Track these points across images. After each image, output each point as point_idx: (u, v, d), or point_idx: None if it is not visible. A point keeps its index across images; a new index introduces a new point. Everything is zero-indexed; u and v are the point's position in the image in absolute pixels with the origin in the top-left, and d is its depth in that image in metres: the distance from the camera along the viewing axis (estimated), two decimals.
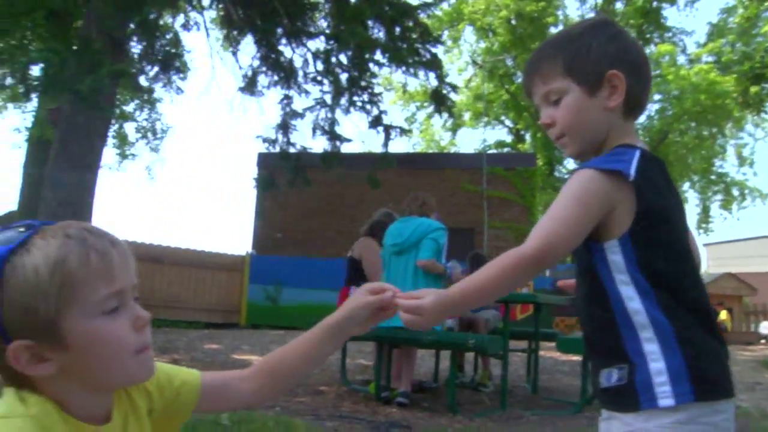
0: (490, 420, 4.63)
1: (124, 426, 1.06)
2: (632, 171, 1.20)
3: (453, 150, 29.16)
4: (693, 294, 1.23)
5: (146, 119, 18.69)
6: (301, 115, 10.31)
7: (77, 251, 0.93)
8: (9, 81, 9.50)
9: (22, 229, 0.95)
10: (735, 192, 26.60)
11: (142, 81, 10.89)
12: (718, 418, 1.15)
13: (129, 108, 17.98)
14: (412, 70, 9.91)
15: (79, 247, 0.93)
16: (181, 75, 11.44)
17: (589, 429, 4.23)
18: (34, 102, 15.42)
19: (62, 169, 7.71)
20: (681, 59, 25.39)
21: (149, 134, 18.97)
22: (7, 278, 0.91)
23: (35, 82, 8.09)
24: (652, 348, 1.17)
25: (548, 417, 4.84)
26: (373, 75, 10.29)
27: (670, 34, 25.75)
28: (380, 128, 10.06)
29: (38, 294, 0.90)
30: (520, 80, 27.32)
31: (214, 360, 7.41)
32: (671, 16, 64.19)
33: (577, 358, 8.30)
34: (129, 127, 18.83)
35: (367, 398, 5.18)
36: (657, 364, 1.16)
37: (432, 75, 10.10)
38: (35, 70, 8.48)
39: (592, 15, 24.30)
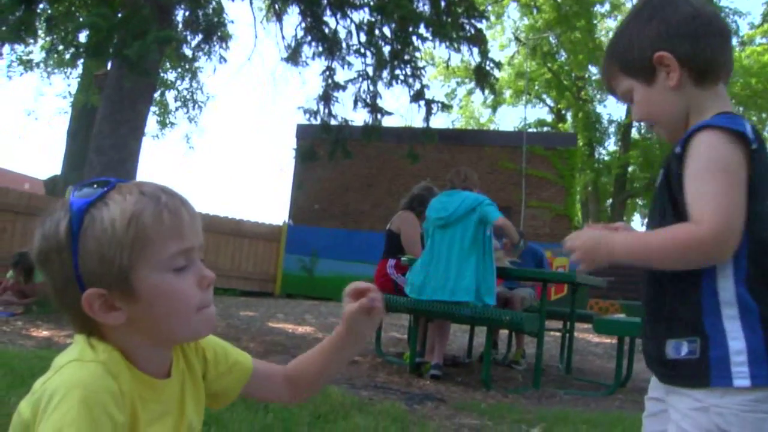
0: (523, 397, 4.64)
1: (182, 384, 1.10)
2: (752, 137, 1.15)
3: (492, 127, 28.88)
4: None
5: (186, 88, 18.84)
6: (343, 87, 10.30)
7: (151, 208, 0.97)
8: (58, 47, 9.68)
9: (95, 186, 0.99)
10: None
11: (185, 50, 10.98)
12: None
13: (170, 77, 18.14)
14: (455, 45, 9.79)
15: (154, 204, 0.98)
16: (224, 44, 11.48)
17: (622, 411, 4.22)
18: (79, 69, 15.72)
19: (108, 135, 7.84)
20: (732, 41, 24.55)
21: (189, 103, 19.14)
22: (86, 229, 0.95)
23: (81, 48, 8.23)
24: (733, 326, 1.14)
25: (581, 397, 4.83)
26: (416, 49, 10.19)
27: (722, 15, 24.90)
28: (422, 102, 10.00)
29: (114, 245, 0.94)
30: (562, 59, 26.88)
31: (249, 327, 7.53)
32: None
33: (611, 340, 8.25)
34: (169, 96, 19.02)
35: (401, 370, 5.22)
36: (737, 343, 1.13)
37: (475, 50, 9.98)
38: (82, 37, 8.63)
39: None
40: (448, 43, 9.79)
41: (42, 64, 16.41)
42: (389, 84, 10.14)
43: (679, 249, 1.14)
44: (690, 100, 1.27)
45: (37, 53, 15.63)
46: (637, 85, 1.31)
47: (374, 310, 1.18)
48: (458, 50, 10.11)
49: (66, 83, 19.92)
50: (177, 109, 19.33)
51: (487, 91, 10.99)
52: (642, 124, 1.41)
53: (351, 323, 1.21)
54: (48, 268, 0.98)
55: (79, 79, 16.14)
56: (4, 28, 7.21)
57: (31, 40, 12.38)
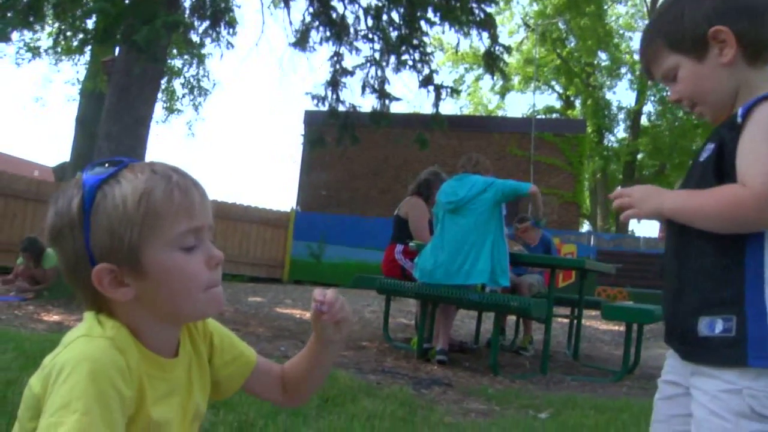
0: (531, 383, 4.64)
1: (189, 366, 1.11)
2: None
3: (501, 114, 28.76)
4: None
5: (193, 76, 18.81)
6: (351, 73, 10.25)
7: (162, 186, 0.98)
8: (66, 33, 9.67)
9: (108, 165, 1.01)
10: None
11: (192, 36, 10.92)
12: None
13: (177, 63, 18.10)
14: (464, 30, 9.69)
15: (165, 182, 0.99)
16: (231, 30, 11.42)
17: (629, 397, 4.22)
18: (87, 56, 15.71)
19: (116, 121, 7.84)
20: None
21: (195, 90, 19.11)
22: (98, 205, 0.97)
23: (89, 35, 8.22)
24: None
25: (589, 383, 4.83)
26: (425, 33, 10.10)
27: None
28: (431, 88, 9.94)
29: (124, 221, 0.96)
30: (572, 45, 26.69)
31: (257, 312, 7.57)
32: None
33: (618, 327, 8.24)
34: (176, 83, 18.99)
35: (408, 355, 5.24)
36: None
37: (485, 35, 9.88)
38: (90, 23, 8.60)
39: None
40: (457, 28, 9.70)
41: (50, 51, 16.43)
42: (397, 69, 10.07)
43: (720, 208, 1.11)
44: (740, 79, 1.23)
45: (45, 40, 15.66)
46: (685, 61, 1.26)
47: (323, 314, 1.17)
48: (467, 35, 10.01)
49: (74, 70, 19.96)
50: (184, 95, 19.34)
51: (496, 76, 10.90)
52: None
53: (317, 329, 1.22)
54: (60, 244, 1.00)
55: (87, 66, 16.14)
56: (12, 14, 7.21)
57: (39, 27, 12.40)
